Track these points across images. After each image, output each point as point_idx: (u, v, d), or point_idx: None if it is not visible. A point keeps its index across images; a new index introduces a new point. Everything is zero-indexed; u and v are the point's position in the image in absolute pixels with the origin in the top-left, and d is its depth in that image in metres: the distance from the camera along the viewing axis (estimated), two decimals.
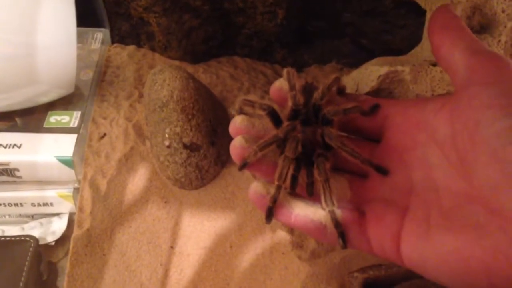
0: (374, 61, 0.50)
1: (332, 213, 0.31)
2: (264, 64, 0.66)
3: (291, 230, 0.49)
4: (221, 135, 0.52)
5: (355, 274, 0.44)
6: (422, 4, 0.51)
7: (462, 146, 0.27)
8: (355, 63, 0.59)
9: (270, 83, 0.63)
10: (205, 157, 0.50)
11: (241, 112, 0.38)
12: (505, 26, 0.44)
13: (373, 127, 0.35)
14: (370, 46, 0.66)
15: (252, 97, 0.37)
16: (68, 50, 0.49)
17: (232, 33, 0.62)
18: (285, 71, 0.36)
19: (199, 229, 0.50)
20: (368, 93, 0.47)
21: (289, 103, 0.35)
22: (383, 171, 0.32)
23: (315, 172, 0.32)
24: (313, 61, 0.67)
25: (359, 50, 0.66)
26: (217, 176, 0.52)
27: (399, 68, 0.45)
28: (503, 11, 0.45)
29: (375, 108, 0.34)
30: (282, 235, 0.49)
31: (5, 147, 0.48)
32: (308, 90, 0.36)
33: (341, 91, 0.38)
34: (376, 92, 0.47)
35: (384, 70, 0.45)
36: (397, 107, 0.34)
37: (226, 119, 0.55)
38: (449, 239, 0.26)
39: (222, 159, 0.52)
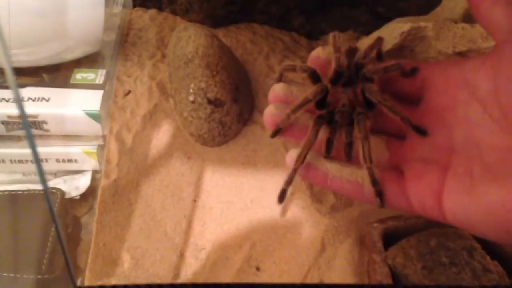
0: (395, 20, 0.51)
1: (370, 170, 0.31)
2: (282, 31, 0.67)
3: (310, 185, 0.51)
4: (243, 93, 0.53)
5: (375, 225, 0.45)
6: None
7: (506, 101, 0.27)
8: (372, 32, 0.59)
9: (288, 49, 0.65)
10: (228, 113, 0.51)
11: (280, 80, 0.39)
12: None
13: (412, 90, 0.35)
14: (387, 14, 0.66)
15: (292, 61, 0.37)
16: (96, 7, 0.50)
17: None
18: (331, 34, 0.36)
19: (221, 184, 0.51)
20: (390, 51, 0.48)
21: (333, 65, 0.35)
22: (422, 132, 0.32)
23: (355, 130, 0.32)
24: (330, 29, 0.67)
25: (376, 19, 0.67)
26: (239, 133, 0.53)
27: (422, 24, 0.45)
28: None
29: (414, 70, 0.35)
30: (301, 190, 0.50)
31: (33, 100, 0.49)
32: (350, 54, 0.37)
33: (380, 56, 0.39)
34: (398, 50, 0.48)
35: (407, 26, 0.46)
36: (435, 69, 0.34)
37: (247, 80, 0.56)
38: (493, 191, 0.26)
39: (244, 117, 0.53)
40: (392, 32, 0.47)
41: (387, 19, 0.66)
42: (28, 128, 0.31)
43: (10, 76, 0.23)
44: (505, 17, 0.29)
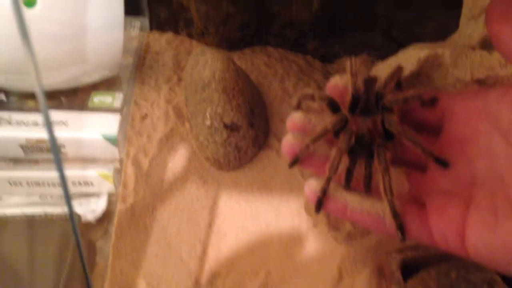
0: (411, 46, 0.51)
1: (391, 203, 0.30)
2: (296, 54, 0.67)
3: (327, 212, 0.50)
4: (259, 118, 0.53)
5: (393, 255, 0.45)
6: None
7: None
8: (386, 55, 0.60)
9: (303, 72, 0.65)
10: (244, 137, 0.51)
11: (298, 107, 0.39)
12: None
13: (432, 119, 0.34)
14: (401, 39, 0.67)
15: (310, 90, 0.37)
16: (115, 33, 0.50)
17: (267, 21, 0.63)
18: (347, 60, 0.36)
19: (236, 209, 0.51)
20: (407, 78, 0.48)
21: (349, 90, 0.35)
22: (443, 163, 0.31)
23: (375, 162, 0.32)
24: (344, 53, 0.68)
25: (390, 43, 0.67)
26: (254, 158, 0.53)
27: (439, 51, 0.45)
28: None
29: (434, 100, 0.34)
30: (318, 216, 0.50)
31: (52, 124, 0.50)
32: (370, 82, 0.36)
33: (399, 84, 0.39)
34: (415, 77, 0.48)
35: (424, 53, 0.46)
36: (456, 98, 0.33)
37: (262, 103, 0.56)
38: None
39: (260, 142, 0.53)
40: (409, 58, 0.47)
41: (401, 43, 0.66)
42: (57, 153, 0.30)
43: (41, 101, 0.24)
44: None
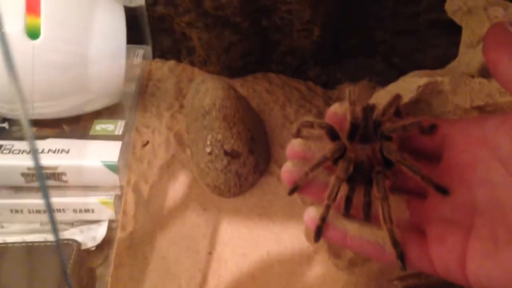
0: (411, 74, 0.51)
1: (390, 232, 0.30)
2: (298, 80, 0.68)
3: (326, 240, 0.50)
4: (259, 144, 0.53)
5: (395, 282, 0.44)
6: (458, 21, 0.52)
7: None
8: (387, 82, 0.60)
9: (304, 98, 0.65)
10: (244, 164, 0.51)
11: (298, 135, 0.39)
12: None
13: (431, 147, 0.34)
14: (402, 65, 0.67)
15: (310, 117, 0.38)
16: (117, 61, 0.51)
17: (268, 49, 0.64)
18: (346, 89, 0.36)
19: (237, 236, 0.51)
20: (407, 105, 0.48)
21: (348, 118, 0.35)
22: (443, 191, 0.31)
23: (374, 189, 0.32)
24: (346, 79, 0.69)
25: (391, 69, 0.68)
26: (255, 184, 0.53)
27: (439, 79, 0.45)
28: None
29: (433, 127, 0.34)
30: (319, 243, 0.49)
31: (54, 152, 0.50)
32: (368, 110, 0.37)
33: (398, 112, 0.39)
34: (414, 104, 0.48)
35: (423, 81, 0.46)
36: (455, 126, 0.34)
37: (263, 130, 0.57)
38: None
39: (260, 168, 0.53)
40: (409, 86, 0.47)
41: (403, 70, 0.66)
42: (43, 180, 0.31)
43: (26, 129, 0.24)
44: None
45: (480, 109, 0.45)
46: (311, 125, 0.37)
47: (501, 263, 0.26)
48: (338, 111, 0.37)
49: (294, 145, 0.36)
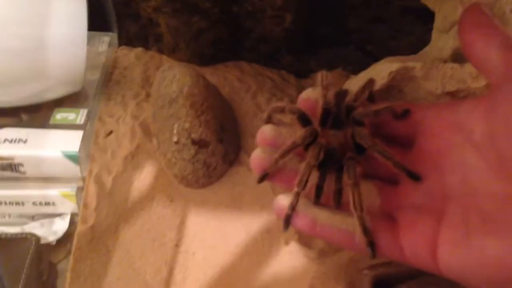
0: (383, 60, 0.50)
1: (361, 219, 0.29)
2: (271, 69, 0.66)
3: (296, 228, 0.48)
4: (229, 133, 0.52)
5: (365, 271, 0.43)
6: (431, 6, 0.51)
7: (502, 145, 0.26)
8: (361, 70, 0.59)
9: (277, 87, 0.64)
10: (213, 154, 0.49)
11: (268, 121, 0.38)
12: None
13: (404, 133, 0.34)
14: (376, 53, 0.66)
15: (281, 103, 0.37)
16: (78, 48, 0.49)
17: (240, 37, 0.62)
18: (318, 74, 0.36)
19: (205, 228, 0.49)
20: (378, 91, 0.47)
21: (320, 103, 0.35)
22: (415, 177, 0.31)
23: (345, 176, 0.31)
24: (319, 68, 0.66)
25: (365, 57, 0.67)
26: (224, 175, 0.52)
27: (410, 64, 0.44)
28: (511, 11, 0.45)
29: (406, 113, 0.33)
30: (289, 234, 0.48)
31: (10, 142, 0.48)
32: (340, 95, 0.36)
33: (372, 97, 0.38)
34: (386, 90, 0.47)
35: (395, 66, 0.45)
36: (428, 111, 0.33)
37: (233, 119, 0.55)
38: (490, 244, 0.25)
39: (230, 158, 0.51)
40: (380, 72, 0.46)
41: (377, 58, 0.65)
42: None
43: None
44: (498, 58, 0.28)
45: (452, 94, 0.44)
46: (282, 110, 0.36)
47: (472, 251, 0.26)
48: (311, 96, 0.37)
49: (265, 131, 0.35)
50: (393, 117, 0.34)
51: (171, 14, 0.56)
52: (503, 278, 0.24)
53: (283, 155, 0.32)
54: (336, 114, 0.35)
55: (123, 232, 0.47)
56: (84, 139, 0.49)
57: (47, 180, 0.51)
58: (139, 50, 0.62)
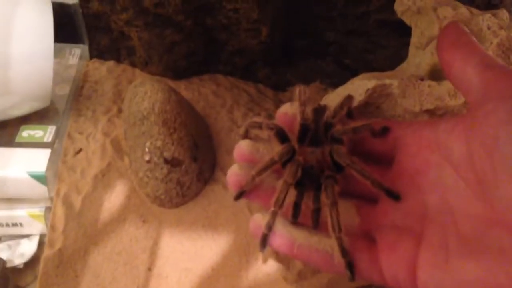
0: (360, 76, 0.49)
1: (339, 240, 0.29)
2: (247, 83, 0.65)
3: (273, 249, 0.47)
4: (203, 151, 0.50)
5: None
6: (407, 21, 0.51)
7: (480, 166, 0.26)
8: (339, 83, 0.58)
9: (253, 101, 0.63)
10: (186, 172, 0.47)
11: (245, 136, 0.37)
12: (491, 43, 0.43)
13: (383, 150, 0.34)
14: (353, 66, 0.66)
15: (259, 118, 0.36)
16: (44, 62, 0.47)
17: (215, 49, 0.61)
18: (296, 88, 0.35)
19: (179, 250, 0.47)
20: (355, 108, 0.46)
21: (298, 119, 0.34)
22: (394, 196, 0.30)
23: (322, 195, 0.30)
24: (296, 81, 0.66)
25: (342, 70, 0.66)
26: (199, 194, 0.50)
27: (387, 81, 0.44)
28: (488, 28, 0.45)
29: (385, 130, 0.33)
30: (267, 255, 0.47)
31: None
32: (319, 111, 0.35)
33: (351, 114, 0.38)
34: (363, 107, 0.46)
35: (372, 83, 0.44)
36: (408, 129, 0.33)
37: (208, 135, 0.53)
38: (470, 267, 0.24)
39: (205, 176, 0.50)
40: (358, 88, 0.45)
41: (354, 71, 0.65)
42: None
43: None
44: (476, 77, 0.27)
45: (430, 112, 0.44)
46: (259, 126, 0.35)
47: (451, 273, 0.25)
48: (289, 111, 0.36)
49: (242, 147, 0.34)
50: (372, 134, 0.33)
51: (143, 27, 0.54)
52: None
53: (260, 172, 0.31)
54: (314, 131, 0.34)
55: (93, 256, 0.45)
56: (51, 158, 0.47)
57: (14, 200, 0.48)
58: (111, 63, 0.60)
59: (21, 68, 0.45)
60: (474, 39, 0.30)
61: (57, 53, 0.58)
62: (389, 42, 0.62)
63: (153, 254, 0.47)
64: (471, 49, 0.29)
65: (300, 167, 0.31)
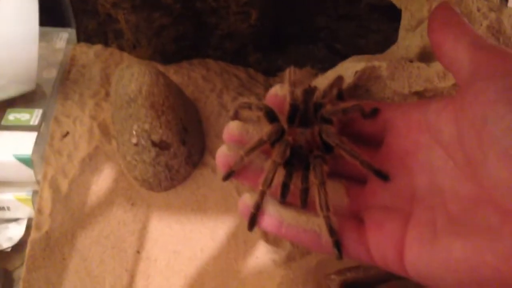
0: (349, 59, 0.49)
1: (327, 219, 0.29)
2: (237, 67, 0.64)
3: (265, 232, 0.47)
4: (193, 134, 0.50)
5: (332, 276, 0.42)
6: (397, 4, 0.51)
7: (469, 146, 0.26)
8: (330, 68, 0.58)
9: (243, 85, 0.62)
10: (175, 156, 0.47)
11: (235, 117, 0.37)
12: (481, 25, 0.43)
13: (373, 132, 0.34)
14: (344, 51, 0.65)
15: (248, 99, 0.36)
16: (29, 44, 0.46)
17: (204, 34, 0.60)
18: (287, 70, 0.35)
19: (168, 233, 0.47)
20: (345, 90, 0.46)
21: (287, 99, 0.34)
22: (383, 176, 0.30)
23: (311, 175, 0.30)
24: (287, 66, 0.65)
25: (333, 55, 0.66)
26: (188, 177, 0.50)
27: (376, 63, 0.43)
28: (478, 10, 0.44)
29: (375, 111, 0.33)
30: (255, 237, 0.47)
31: None
32: (308, 92, 0.35)
33: (341, 95, 0.37)
34: (352, 89, 0.46)
35: (360, 65, 0.44)
36: (397, 110, 0.33)
37: (197, 120, 0.53)
38: (457, 245, 0.24)
39: (194, 160, 0.50)
40: (346, 71, 0.45)
41: (345, 56, 0.65)
42: None
43: None
44: (467, 57, 0.27)
45: (420, 94, 0.44)
46: (248, 106, 0.35)
47: (438, 251, 0.25)
48: (279, 93, 0.36)
49: (231, 128, 0.34)
50: (362, 115, 0.33)
51: (130, 10, 0.54)
52: (468, 280, 0.24)
53: (249, 152, 0.31)
54: (304, 111, 0.34)
55: (80, 239, 0.45)
56: (38, 141, 0.47)
57: (1, 184, 0.48)
58: (98, 47, 0.59)
59: (5, 51, 0.44)
60: (465, 19, 0.30)
61: (44, 37, 0.58)
62: (380, 27, 0.62)
63: (141, 237, 0.47)
64: (461, 29, 0.29)
65: (288, 147, 0.31)
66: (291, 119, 0.34)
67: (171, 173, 0.48)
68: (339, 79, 0.37)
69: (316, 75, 0.66)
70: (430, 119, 0.29)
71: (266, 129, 0.32)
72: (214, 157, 0.52)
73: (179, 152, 0.48)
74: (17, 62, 0.46)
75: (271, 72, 0.65)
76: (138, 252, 0.46)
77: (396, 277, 0.41)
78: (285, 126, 0.33)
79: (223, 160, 0.32)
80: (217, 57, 0.63)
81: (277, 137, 0.32)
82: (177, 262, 0.46)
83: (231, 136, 0.34)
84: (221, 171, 0.32)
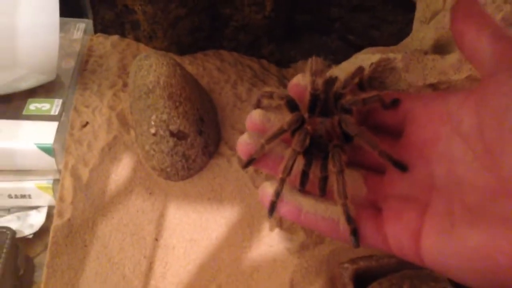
0: (364, 51, 0.49)
1: (344, 207, 0.29)
2: (251, 58, 0.65)
3: (279, 222, 0.48)
4: (209, 125, 0.51)
5: (345, 265, 0.43)
6: None
7: (489, 137, 0.26)
8: (343, 60, 0.58)
9: (257, 76, 0.63)
10: (192, 146, 0.48)
11: (258, 106, 0.37)
12: (495, 17, 0.43)
13: (393, 122, 0.34)
14: (358, 42, 0.65)
15: (270, 88, 0.36)
16: (50, 35, 0.47)
17: (219, 25, 0.61)
18: (309, 59, 0.35)
19: (185, 221, 0.48)
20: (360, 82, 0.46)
21: (308, 88, 0.34)
22: (401, 167, 0.30)
23: (330, 164, 0.31)
24: (300, 57, 0.67)
25: (347, 46, 0.66)
26: (204, 167, 0.51)
27: (391, 55, 0.44)
28: (493, 2, 0.44)
29: (396, 102, 0.33)
30: (269, 227, 0.48)
31: None
32: (329, 82, 0.36)
33: (362, 84, 0.38)
34: (367, 82, 0.46)
35: (375, 57, 0.44)
36: (418, 101, 0.33)
37: (213, 110, 0.54)
38: (474, 235, 0.25)
39: (210, 150, 0.51)
40: (361, 63, 0.46)
41: (359, 47, 0.65)
42: None
43: None
44: (490, 48, 0.27)
45: (434, 86, 0.44)
46: (270, 95, 0.36)
47: (456, 242, 0.26)
48: (301, 82, 0.36)
49: (254, 116, 0.35)
50: (382, 106, 0.34)
51: (147, 1, 0.54)
52: (484, 269, 0.24)
53: (269, 140, 0.32)
54: (324, 101, 0.35)
55: (101, 227, 0.46)
56: (59, 131, 0.48)
57: (22, 172, 0.49)
58: (115, 37, 0.60)
59: (27, 41, 0.45)
60: (486, 11, 0.30)
61: (61, 28, 0.58)
62: (394, 18, 0.62)
63: (159, 225, 0.48)
64: (484, 20, 0.29)
65: (308, 136, 0.31)
66: (311, 108, 0.34)
67: (188, 163, 0.49)
68: (360, 69, 0.37)
69: (329, 66, 0.66)
70: (451, 110, 0.30)
71: (286, 118, 0.33)
72: (229, 148, 0.53)
73: (196, 142, 0.49)
74: (38, 52, 0.47)
75: (284, 63, 0.66)
76: (156, 239, 0.47)
77: (409, 267, 0.42)
78: (306, 115, 0.34)
79: (244, 148, 0.33)
80: (231, 48, 0.64)
81: (297, 126, 0.33)
82: (194, 250, 0.47)
83: (254, 124, 0.34)
84: (242, 158, 0.33)
